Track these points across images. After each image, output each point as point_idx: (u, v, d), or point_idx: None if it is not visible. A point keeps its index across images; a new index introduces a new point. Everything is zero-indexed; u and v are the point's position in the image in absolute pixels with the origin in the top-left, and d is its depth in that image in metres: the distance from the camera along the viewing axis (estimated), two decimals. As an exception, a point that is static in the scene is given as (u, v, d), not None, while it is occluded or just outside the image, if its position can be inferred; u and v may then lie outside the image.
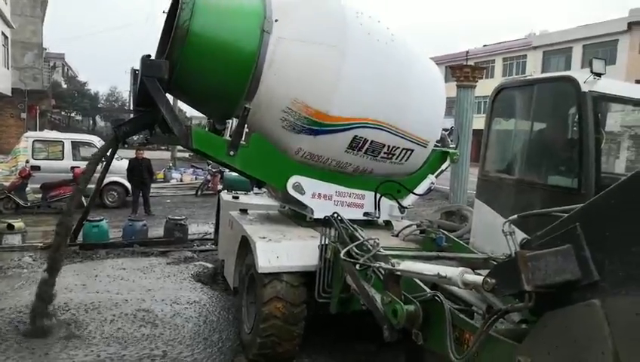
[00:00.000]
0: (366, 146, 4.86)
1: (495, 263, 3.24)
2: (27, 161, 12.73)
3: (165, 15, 4.98)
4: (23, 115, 28.34)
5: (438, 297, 2.69)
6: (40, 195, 12.25)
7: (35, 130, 24.19)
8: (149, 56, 4.71)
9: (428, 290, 2.88)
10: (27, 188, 12.15)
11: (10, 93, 26.97)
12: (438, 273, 2.45)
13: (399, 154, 5.08)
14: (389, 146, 4.96)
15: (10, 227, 8.27)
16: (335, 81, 4.56)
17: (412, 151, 5.12)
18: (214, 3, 4.56)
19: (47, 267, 5.00)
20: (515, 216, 2.61)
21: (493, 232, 4.51)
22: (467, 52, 41.55)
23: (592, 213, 1.85)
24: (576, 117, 4.44)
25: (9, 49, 28.15)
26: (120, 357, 4.37)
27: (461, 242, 4.43)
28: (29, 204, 11.94)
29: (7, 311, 5.27)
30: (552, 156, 4.82)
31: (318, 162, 4.90)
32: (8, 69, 27.90)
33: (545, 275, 1.80)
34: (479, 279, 2.14)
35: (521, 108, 5.17)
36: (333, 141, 4.75)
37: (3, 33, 26.62)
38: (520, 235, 2.71)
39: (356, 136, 4.78)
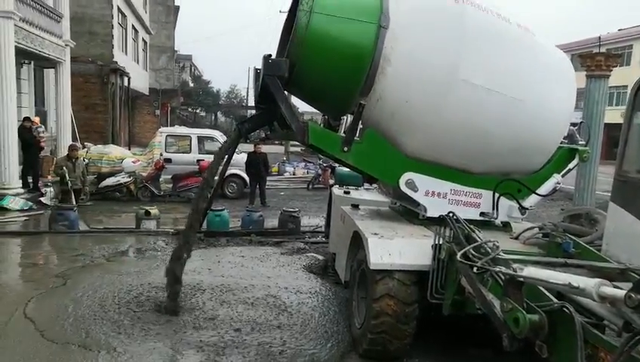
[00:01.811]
0: None
1: (636, 275, 2.92)
2: (161, 154, 14.14)
3: (284, 15, 5.20)
4: (157, 112, 31.58)
5: (567, 308, 2.48)
6: (171, 185, 13.52)
7: (167, 126, 26.81)
8: (270, 55, 4.95)
9: (555, 300, 2.68)
10: (160, 179, 13.51)
11: (147, 93, 30.26)
12: (570, 283, 2.26)
13: None
14: None
15: (147, 213, 9.24)
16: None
17: None
18: (333, 0, 4.65)
19: (181, 243, 5.50)
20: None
21: (631, 240, 4.05)
22: (599, 37, 37.50)
23: None
24: None
25: (147, 53, 31.55)
26: (241, 341, 4.66)
27: (592, 249, 4.04)
28: (161, 193, 13.25)
29: (146, 287, 5.93)
30: None
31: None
32: (147, 70, 31.31)
33: None
34: (620, 293, 1.94)
35: (671, 101, 4.53)
36: None
37: (143, 39, 29.90)
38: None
39: None
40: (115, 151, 15.02)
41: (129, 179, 13.10)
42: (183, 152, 14.69)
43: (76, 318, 5.01)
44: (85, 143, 16.11)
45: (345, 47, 4.51)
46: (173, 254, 5.50)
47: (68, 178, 10.38)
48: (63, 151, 13.30)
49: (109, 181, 13.05)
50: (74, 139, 15.93)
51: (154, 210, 9.39)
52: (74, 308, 5.25)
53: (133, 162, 13.89)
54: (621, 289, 2.10)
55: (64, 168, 10.46)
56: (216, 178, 6.10)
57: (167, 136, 15.02)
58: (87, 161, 13.14)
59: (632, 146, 4.69)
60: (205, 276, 6.50)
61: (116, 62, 21.42)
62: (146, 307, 5.37)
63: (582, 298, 2.61)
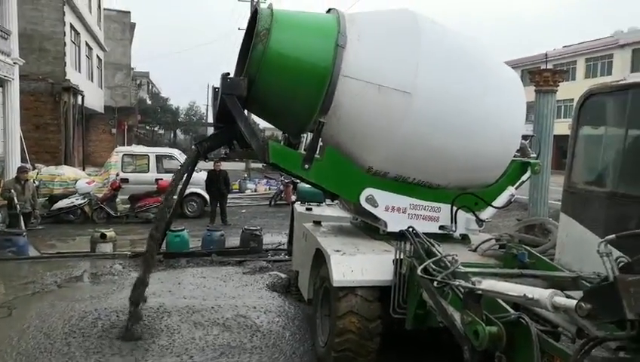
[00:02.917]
0: None
1: (586, 283, 3.03)
2: (117, 174, 13.74)
3: (242, 33, 5.19)
4: (114, 130, 30.74)
5: (524, 319, 2.55)
6: (128, 206, 13.14)
7: (124, 144, 26.13)
8: (228, 74, 4.92)
9: (512, 311, 2.74)
10: (117, 199, 13.10)
11: (103, 111, 29.44)
12: (525, 294, 2.32)
13: None
14: None
15: (103, 236, 8.90)
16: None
17: None
18: (291, 20, 4.69)
19: (141, 270, 5.34)
20: (613, 236, 2.40)
21: (581, 249, 4.22)
22: (546, 54, 39.51)
23: None
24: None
25: (102, 70, 30.77)
26: (204, 366, 4.54)
27: (545, 259, 4.18)
28: (118, 214, 12.85)
29: (103, 312, 5.67)
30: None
31: None
32: (102, 88, 30.50)
33: (650, 302, 1.66)
34: (572, 303, 2.01)
35: (614, 116, 4.79)
36: None
37: (98, 56, 29.14)
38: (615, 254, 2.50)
39: None
40: (68, 172, 14.49)
41: (83, 201, 12.66)
42: (141, 172, 14.35)
43: (21, 352, 4.71)
44: (36, 164, 15.47)
45: (303, 67, 4.54)
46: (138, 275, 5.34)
47: (16, 201, 9.91)
48: (12, 174, 12.70)
49: (62, 203, 12.57)
50: (23, 160, 15.25)
51: (110, 233, 9.06)
52: (19, 341, 4.94)
53: (88, 183, 13.43)
54: (573, 298, 2.18)
55: (12, 191, 9.98)
56: (175, 197, 5.97)
57: (123, 155, 14.66)
58: (37, 183, 12.61)
59: (579, 159, 4.92)
60: (167, 298, 6.29)
61: (69, 80, 20.74)
62: (101, 335, 5.12)
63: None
